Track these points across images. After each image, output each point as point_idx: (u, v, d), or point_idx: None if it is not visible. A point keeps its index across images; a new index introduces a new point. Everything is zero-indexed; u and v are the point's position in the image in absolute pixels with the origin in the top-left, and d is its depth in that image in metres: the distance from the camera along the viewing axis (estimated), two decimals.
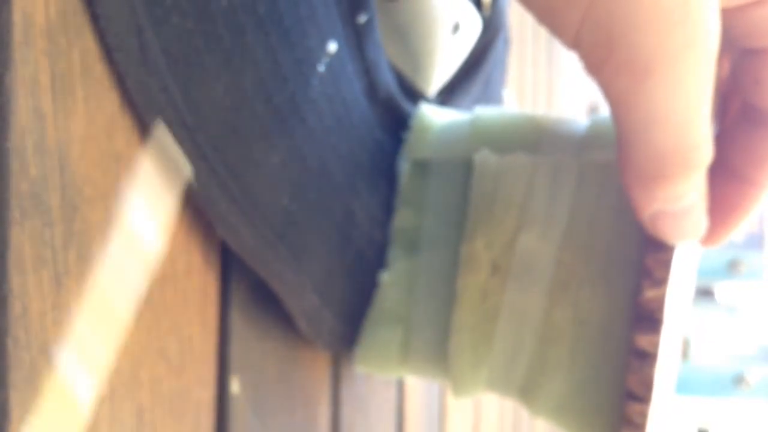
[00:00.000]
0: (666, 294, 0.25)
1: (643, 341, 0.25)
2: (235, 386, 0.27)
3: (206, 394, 0.25)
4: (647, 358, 0.25)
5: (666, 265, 0.25)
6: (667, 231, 0.24)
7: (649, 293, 0.25)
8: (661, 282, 0.25)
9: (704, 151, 0.21)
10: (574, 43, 0.21)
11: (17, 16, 0.17)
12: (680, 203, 0.23)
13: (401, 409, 0.43)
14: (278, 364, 0.29)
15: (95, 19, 0.19)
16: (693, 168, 0.22)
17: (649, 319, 0.25)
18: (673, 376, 0.29)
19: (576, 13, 0.20)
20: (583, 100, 1.35)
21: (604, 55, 0.20)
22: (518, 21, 0.80)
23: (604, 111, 0.22)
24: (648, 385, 0.25)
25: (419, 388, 0.46)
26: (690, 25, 0.19)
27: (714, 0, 0.19)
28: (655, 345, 0.25)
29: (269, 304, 0.28)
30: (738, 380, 1.93)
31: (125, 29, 0.19)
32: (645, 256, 0.25)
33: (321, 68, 0.26)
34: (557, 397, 0.28)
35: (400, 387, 0.42)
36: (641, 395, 0.25)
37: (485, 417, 0.67)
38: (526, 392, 0.28)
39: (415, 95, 0.34)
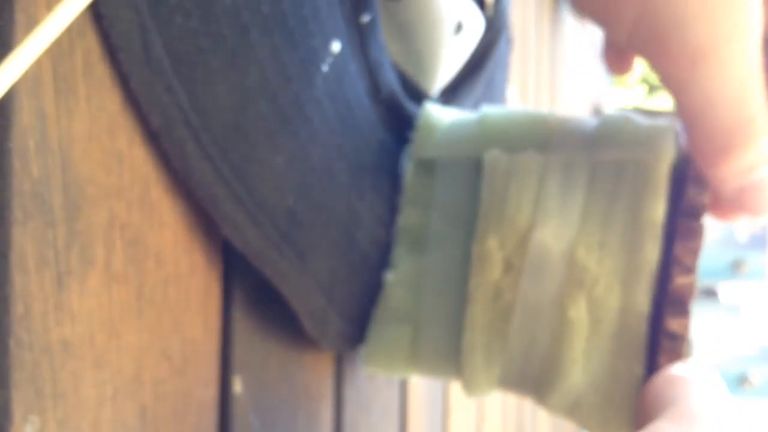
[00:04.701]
0: (695, 280, 0.26)
1: (674, 324, 0.26)
2: (237, 386, 0.27)
3: (208, 394, 0.25)
4: (677, 339, 0.27)
5: (695, 253, 0.26)
6: (753, 203, 0.26)
7: (680, 280, 0.26)
8: (690, 269, 0.26)
9: (761, 122, 0.24)
10: (628, 41, 0.23)
11: (19, 16, 0.17)
12: (754, 175, 0.25)
13: (404, 409, 0.43)
14: (280, 363, 0.29)
15: (98, 18, 0.19)
16: (753, 138, 0.24)
17: (679, 303, 0.26)
18: None
19: (629, 14, 0.23)
20: (586, 100, 1.35)
21: (659, 48, 0.23)
22: (521, 21, 0.79)
23: (607, 113, 0.24)
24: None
25: (422, 387, 0.46)
26: (735, 13, 0.22)
27: None
28: (685, 327, 0.26)
29: (271, 305, 0.28)
30: (741, 380, 1.93)
31: (129, 29, 0.19)
32: (674, 245, 0.26)
33: (325, 68, 0.26)
34: (572, 394, 0.28)
35: (403, 387, 0.42)
36: None
37: (488, 417, 0.67)
38: (541, 390, 0.28)
39: (418, 95, 0.34)
